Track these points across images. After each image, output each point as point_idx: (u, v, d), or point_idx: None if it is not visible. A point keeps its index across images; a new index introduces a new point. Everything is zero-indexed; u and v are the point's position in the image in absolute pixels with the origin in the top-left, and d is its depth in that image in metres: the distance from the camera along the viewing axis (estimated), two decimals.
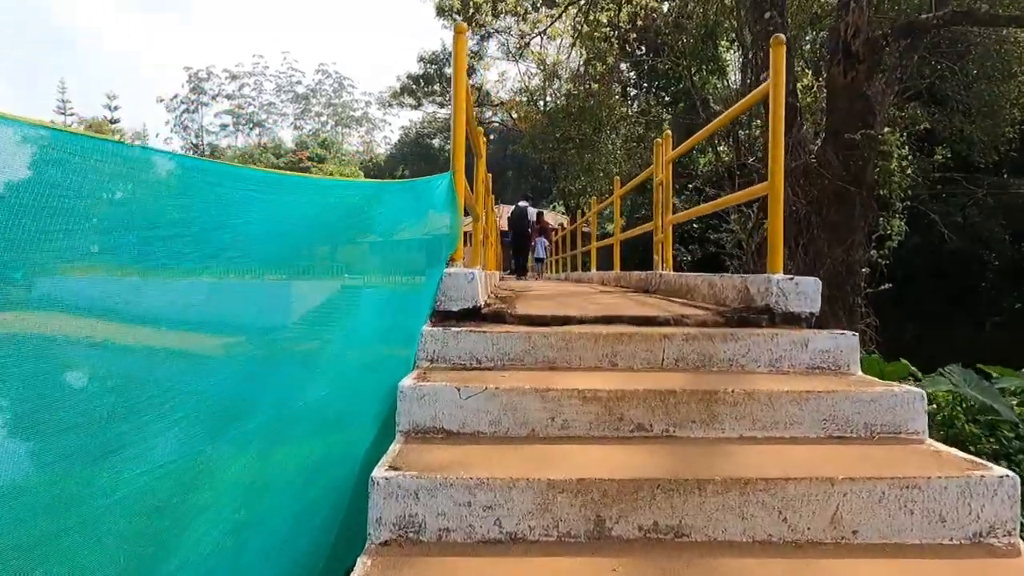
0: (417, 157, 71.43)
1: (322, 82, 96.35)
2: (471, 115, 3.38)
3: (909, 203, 6.23)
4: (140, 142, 69.94)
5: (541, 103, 20.09)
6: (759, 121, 20.06)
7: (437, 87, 26.05)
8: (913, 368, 4.63)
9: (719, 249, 10.22)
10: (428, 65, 24.55)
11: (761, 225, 9.29)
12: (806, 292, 2.59)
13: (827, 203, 6.45)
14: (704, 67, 19.61)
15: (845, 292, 6.40)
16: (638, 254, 18.82)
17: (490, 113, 32.38)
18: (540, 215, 13.10)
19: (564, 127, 17.24)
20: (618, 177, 6.83)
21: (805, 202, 6.56)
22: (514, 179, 56.69)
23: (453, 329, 2.26)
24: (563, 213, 33.93)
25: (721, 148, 19.42)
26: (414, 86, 25.99)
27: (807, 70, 9.89)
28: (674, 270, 4.68)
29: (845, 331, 2.29)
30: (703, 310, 2.92)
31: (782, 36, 2.72)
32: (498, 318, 2.60)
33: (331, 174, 35.43)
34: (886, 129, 6.29)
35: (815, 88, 8.70)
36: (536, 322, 2.59)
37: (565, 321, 2.59)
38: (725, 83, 22.02)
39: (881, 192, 6.40)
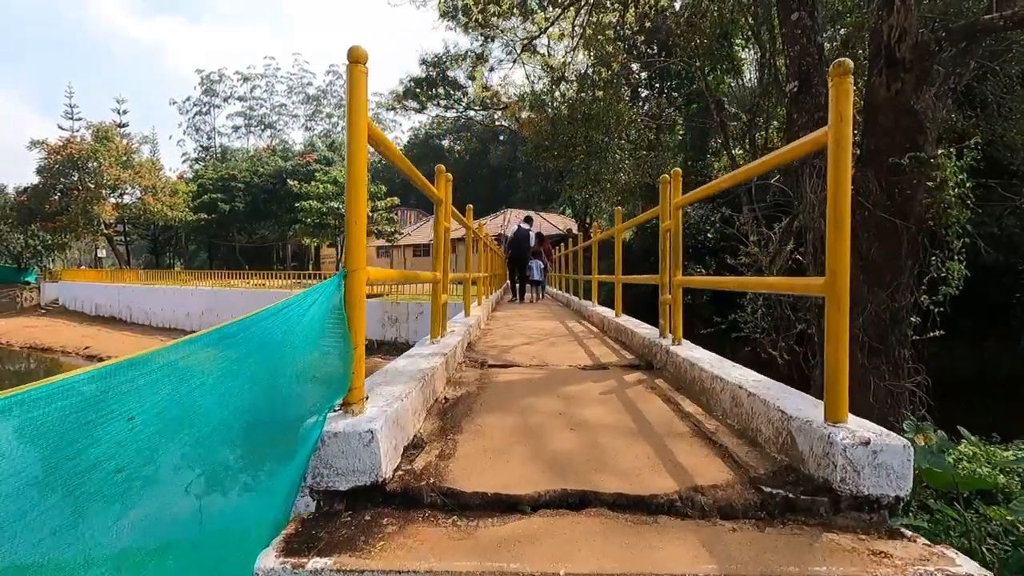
0: (427, 158, 71.09)
1: (333, 83, 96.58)
2: (397, 158, 2.48)
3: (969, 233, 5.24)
4: (149, 146, 70.25)
5: (548, 107, 19.14)
6: (777, 123, 18.97)
7: (441, 90, 25.22)
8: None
9: (735, 273, 9.22)
10: (430, 68, 23.65)
11: (783, 249, 8.30)
12: (889, 465, 1.65)
13: (867, 238, 5.45)
14: (718, 67, 18.62)
15: (889, 344, 5.40)
16: (648, 260, 17.73)
17: (499, 114, 31.61)
18: (540, 237, 12.93)
19: (569, 133, 16.30)
20: (619, 209, 5.87)
21: None
22: (524, 180, 55.91)
23: (312, 566, 1.36)
24: (571, 217, 33.05)
25: (737, 152, 18.36)
26: (417, 89, 25.13)
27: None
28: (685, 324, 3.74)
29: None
30: (725, 462, 1.99)
31: (848, 63, 1.78)
32: (411, 501, 1.70)
33: (336, 179, 34.68)
34: (939, 151, 5.28)
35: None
36: (469, 506, 1.69)
37: (511, 506, 1.68)
38: (740, 82, 21.04)
39: (933, 226, 5.39)
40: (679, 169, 3.49)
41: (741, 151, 18.66)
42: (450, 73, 23.56)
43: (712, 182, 2.99)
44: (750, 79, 22.13)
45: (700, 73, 17.24)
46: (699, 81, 19.06)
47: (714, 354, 3.24)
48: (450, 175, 3.90)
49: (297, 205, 30.71)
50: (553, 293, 14.85)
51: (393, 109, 28.44)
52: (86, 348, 24.71)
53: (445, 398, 2.78)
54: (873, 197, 5.46)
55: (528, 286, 12.49)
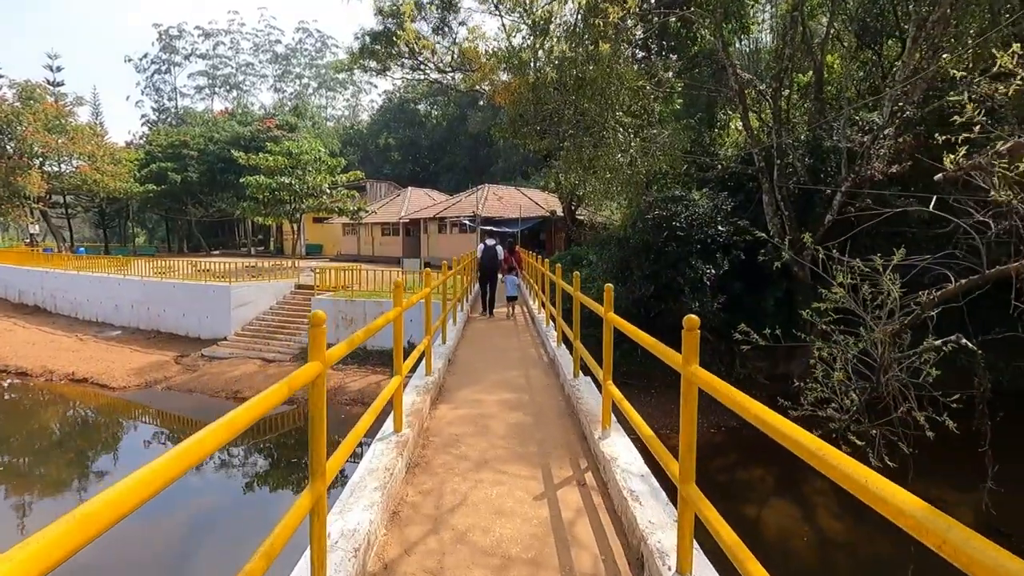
0: (401, 123, 66.02)
1: (303, 41, 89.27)
2: None
3: None
4: (89, 108, 63.21)
5: (529, 70, 15.56)
6: (798, 85, 15.74)
7: (403, 47, 21.32)
8: None
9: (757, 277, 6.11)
10: (387, 19, 19.65)
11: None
12: None
13: None
14: (726, 24, 15.21)
15: None
16: (649, 256, 14.46)
17: (472, 76, 27.66)
18: (511, 250, 12.90)
19: (556, 102, 12.90)
20: (610, 286, 2.75)
21: None
22: (505, 150, 51.82)
23: None
24: (554, 193, 29.44)
25: (755, 123, 15.11)
26: (376, 46, 21.20)
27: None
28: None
29: None
30: None
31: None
32: None
33: (290, 150, 30.60)
34: None
35: None
36: None
37: None
38: (746, 40, 18.11)
39: None
40: None
41: (759, 123, 15.46)
42: (413, 25, 19.64)
43: None
44: (755, 40, 19.24)
45: (716, 31, 13.78)
46: (701, 42, 15.73)
47: None
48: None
49: (242, 180, 26.77)
50: (528, 308, 11.93)
51: (348, 71, 24.34)
52: None
53: None
54: None
55: (506, 300, 12.05)
